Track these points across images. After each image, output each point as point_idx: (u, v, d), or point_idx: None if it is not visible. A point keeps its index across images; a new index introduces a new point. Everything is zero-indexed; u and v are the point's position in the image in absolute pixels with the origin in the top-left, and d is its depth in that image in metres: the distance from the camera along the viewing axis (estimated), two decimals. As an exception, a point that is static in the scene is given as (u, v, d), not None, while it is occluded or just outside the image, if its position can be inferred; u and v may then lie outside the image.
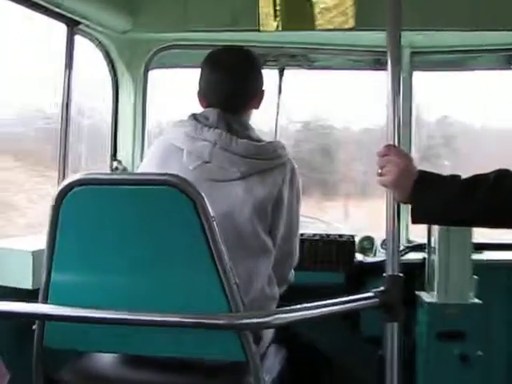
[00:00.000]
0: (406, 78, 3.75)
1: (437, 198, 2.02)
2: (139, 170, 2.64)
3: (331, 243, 3.40)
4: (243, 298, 2.09)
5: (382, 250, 3.63)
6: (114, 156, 3.70)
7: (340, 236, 3.47)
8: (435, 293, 3.25)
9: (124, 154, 3.69)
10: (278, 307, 2.52)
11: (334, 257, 3.38)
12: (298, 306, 1.92)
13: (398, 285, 2.06)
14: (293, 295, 2.45)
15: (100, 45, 3.55)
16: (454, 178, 2.05)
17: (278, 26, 3.14)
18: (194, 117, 2.55)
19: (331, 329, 2.96)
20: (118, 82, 3.68)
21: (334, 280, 3.42)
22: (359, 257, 3.65)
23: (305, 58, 3.80)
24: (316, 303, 1.93)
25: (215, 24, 3.39)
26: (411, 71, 3.80)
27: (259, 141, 2.52)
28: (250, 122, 2.65)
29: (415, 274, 3.42)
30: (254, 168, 2.42)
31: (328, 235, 3.47)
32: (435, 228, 3.33)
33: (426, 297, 3.31)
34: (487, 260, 3.60)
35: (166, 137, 2.54)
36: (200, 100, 2.64)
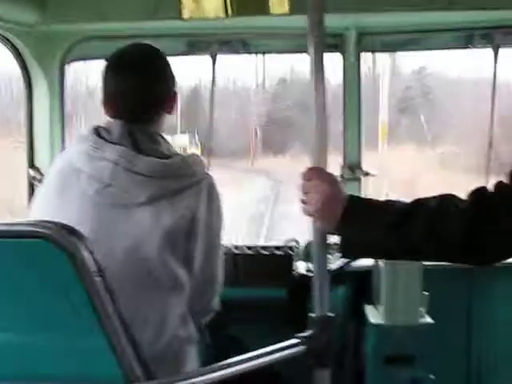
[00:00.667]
0: (352, 62, 3.60)
1: (367, 232, 1.83)
2: (37, 200, 2.39)
3: (267, 257, 3.09)
4: (156, 342, 2.00)
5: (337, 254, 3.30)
6: (31, 163, 3.42)
7: (277, 248, 3.15)
8: (382, 309, 2.94)
9: (42, 159, 3.43)
10: (215, 326, 2.43)
11: (272, 272, 3.08)
12: (214, 366, 1.77)
13: (327, 328, 1.87)
14: (233, 312, 2.39)
15: (7, 42, 3.30)
16: (390, 207, 1.84)
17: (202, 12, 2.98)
18: (97, 130, 2.29)
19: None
20: (32, 81, 3.42)
21: (276, 295, 3.13)
22: (302, 267, 3.36)
23: (240, 43, 3.53)
24: (236, 359, 1.78)
25: (134, 13, 3.16)
26: (358, 53, 3.61)
27: (169, 156, 2.27)
28: (163, 132, 2.43)
29: (364, 284, 3.12)
30: (162, 190, 2.21)
31: (264, 247, 3.15)
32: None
33: (372, 315, 3.03)
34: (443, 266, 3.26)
35: (65, 156, 2.34)
36: (105, 109, 2.37)
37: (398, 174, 24.30)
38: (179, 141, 37.29)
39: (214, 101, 3.71)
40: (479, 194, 1.83)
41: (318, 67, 1.88)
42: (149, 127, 2.34)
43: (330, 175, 1.90)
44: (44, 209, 2.30)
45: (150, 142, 2.29)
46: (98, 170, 2.21)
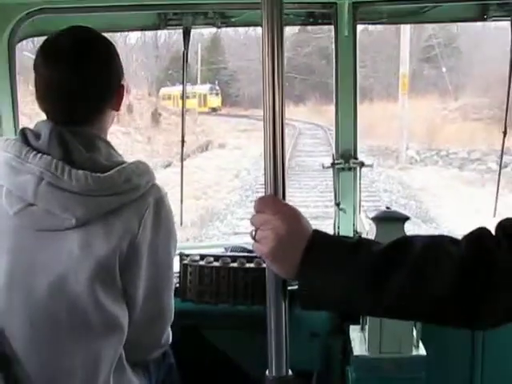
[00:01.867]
0: (347, 35, 3.11)
1: (335, 279, 1.44)
2: None
3: (243, 273, 2.65)
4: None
5: None
6: None
7: (250, 260, 2.70)
8: (368, 336, 2.48)
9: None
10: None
11: (248, 289, 2.66)
12: None
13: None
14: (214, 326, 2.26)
15: None
16: (365, 248, 1.46)
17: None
18: (24, 135, 1.96)
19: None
20: None
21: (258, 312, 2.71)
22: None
23: (218, 15, 3.04)
24: None
25: None
26: (354, 25, 3.12)
27: (108, 167, 1.92)
28: (108, 133, 2.11)
29: None
30: (95, 210, 1.89)
31: (237, 257, 2.72)
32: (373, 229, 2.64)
33: (357, 342, 2.57)
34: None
35: None
36: (39, 106, 2.02)
37: (418, 125, 23.84)
38: (199, 90, 37.58)
39: (185, 77, 3.30)
40: (477, 236, 1.42)
41: (274, 43, 1.48)
42: (86, 129, 1.98)
43: (286, 207, 1.52)
44: None
45: (84, 150, 1.93)
46: (20, 186, 1.88)
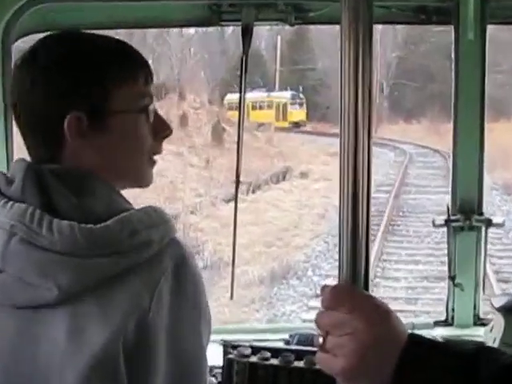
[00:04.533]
0: (471, 39, 3.03)
1: None
2: None
3: (312, 376, 2.55)
4: None
5: None
6: None
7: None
8: None
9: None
10: None
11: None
12: None
13: None
14: None
15: None
16: (486, 368, 1.42)
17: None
18: None
19: None
20: None
21: None
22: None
23: (291, 8, 3.03)
24: None
25: None
26: (482, 26, 3.05)
27: (106, 217, 1.86)
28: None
29: None
30: (86, 278, 1.83)
31: (304, 353, 2.61)
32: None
33: None
34: None
35: None
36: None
37: None
38: (278, 99, 37.94)
39: (244, 94, 3.32)
40: None
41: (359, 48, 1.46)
42: (77, 165, 1.95)
43: (371, 301, 1.46)
44: None
45: (72, 194, 1.88)
46: None
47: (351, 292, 1.45)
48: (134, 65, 1.98)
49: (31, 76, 1.91)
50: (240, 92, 3.26)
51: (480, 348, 1.46)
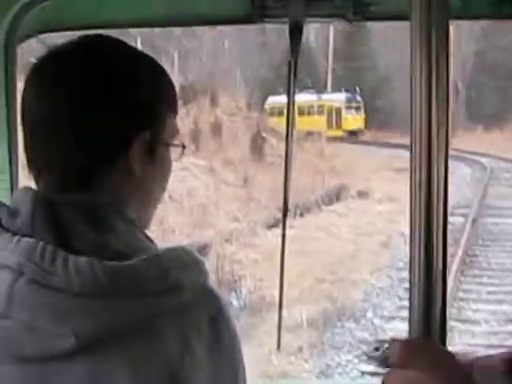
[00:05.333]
0: None
1: None
2: None
3: None
4: None
5: None
6: None
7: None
8: None
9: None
10: None
11: None
12: None
13: None
14: None
15: None
16: None
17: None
18: None
19: None
20: None
21: None
22: None
23: (349, 2, 3.07)
24: None
25: None
26: None
27: (128, 255, 1.90)
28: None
29: None
30: (108, 324, 1.85)
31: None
32: None
33: None
34: None
35: None
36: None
37: None
38: (330, 102, 38.07)
39: (292, 102, 3.34)
40: None
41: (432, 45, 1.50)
42: (95, 197, 2.00)
43: (448, 358, 1.51)
44: None
45: (90, 229, 1.93)
46: None
47: (427, 347, 1.50)
48: (175, 92, 2.10)
49: (83, 87, 1.99)
50: (288, 103, 3.29)
51: None
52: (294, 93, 3.28)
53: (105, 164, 2.03)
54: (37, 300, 1.85)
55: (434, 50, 1.47)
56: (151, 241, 2.02)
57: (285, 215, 3.70)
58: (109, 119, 2.02)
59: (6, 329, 1.87)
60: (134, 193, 2.08)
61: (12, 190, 3.06)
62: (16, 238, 1.90)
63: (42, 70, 2.06)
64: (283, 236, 3.58)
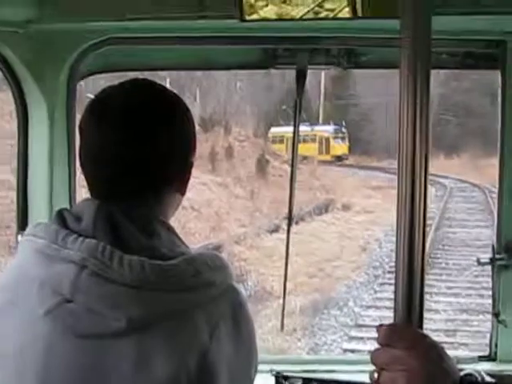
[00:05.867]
0: None
1: None
2: None
3: None
4: None
5: None
6: (21, 226, 3.02)
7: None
8: None
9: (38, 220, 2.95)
10: None
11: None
12: None
13: None
14: None
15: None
16: None
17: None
18: (61, 216, 1.98)
19: None
20: (27, 107, 3.02)
21: None
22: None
23: (344, 53, 3.11)
24: None
25: (179, 7, 2.72)
26: None
27: (171, 257, 1.90)
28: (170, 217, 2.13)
29: None
30: (154, 310, 1.85)
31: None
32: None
33: None
34: None
35: (18, 258, 2.03)
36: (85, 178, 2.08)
37: None
38: (321, 132, 37.86)
39: (297, 133, 3.35)
40: None
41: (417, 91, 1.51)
42: (144, 210, 1.99)
43: (426, 340, 1.51)
44: None
45: (141, 234, 1.93)
46: (55, 278, 1.86)
47: (408, 330, 1.50)
48: None
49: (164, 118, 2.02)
50: (294, 134, 3.27)
51: None
52: (299, 125, 3.28)
53: (167, 185, 2.04)
54: (97, 289, 1.84)
55: (418, 92, 1.46)
56: (186, 245, 2.03)
57: (289, 224, 3.69)
58: (175, 145, 2.03)
59: (70, 310, 1.84)
60: (174, 206, 2.11)
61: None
62: (81, 238, 1.87)
63: (96, 107, 2.04)
64: (287, 240, 3.57)
